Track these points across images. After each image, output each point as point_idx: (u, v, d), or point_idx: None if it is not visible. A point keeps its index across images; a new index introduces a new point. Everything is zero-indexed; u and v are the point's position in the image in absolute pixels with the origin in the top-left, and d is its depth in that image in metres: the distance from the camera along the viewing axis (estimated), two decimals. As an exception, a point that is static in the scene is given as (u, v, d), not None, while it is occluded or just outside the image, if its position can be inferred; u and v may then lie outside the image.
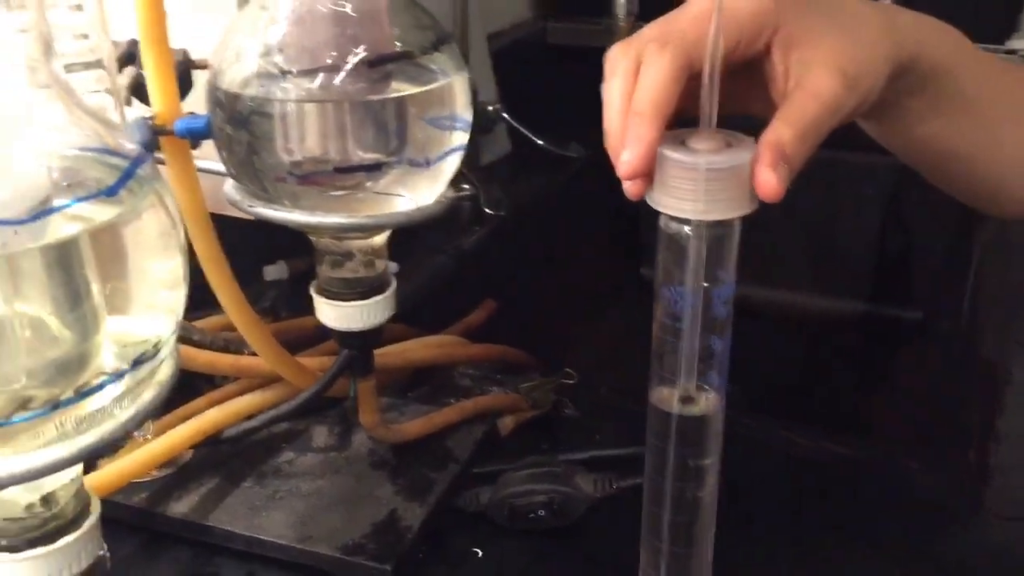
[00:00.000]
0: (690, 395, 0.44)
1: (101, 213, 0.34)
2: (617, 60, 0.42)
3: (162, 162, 0.51)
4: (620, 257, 1.25)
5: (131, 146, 0.36)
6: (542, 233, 1.07)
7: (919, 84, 0.47)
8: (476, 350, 0.74)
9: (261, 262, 0.87)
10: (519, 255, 1.01)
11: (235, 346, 0.64)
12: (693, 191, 0.38)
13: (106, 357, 0.35)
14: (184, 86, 0.58)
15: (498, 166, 1.13)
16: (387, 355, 0.69)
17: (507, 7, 1.28)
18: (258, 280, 0.86)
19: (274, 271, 0.87)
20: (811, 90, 0.41)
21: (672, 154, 0.39)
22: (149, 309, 0.36)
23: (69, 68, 0.46)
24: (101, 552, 0.42)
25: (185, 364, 0.61)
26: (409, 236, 0.90)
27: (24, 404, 0.33)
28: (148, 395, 0.37)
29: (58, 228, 0.34)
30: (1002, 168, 0.53)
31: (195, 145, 0.52)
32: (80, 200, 0.34)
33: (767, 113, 0.41)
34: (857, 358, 1.16)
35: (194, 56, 0.59)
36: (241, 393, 0.62)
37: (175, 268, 0.36)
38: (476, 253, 0.94)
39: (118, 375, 0.34)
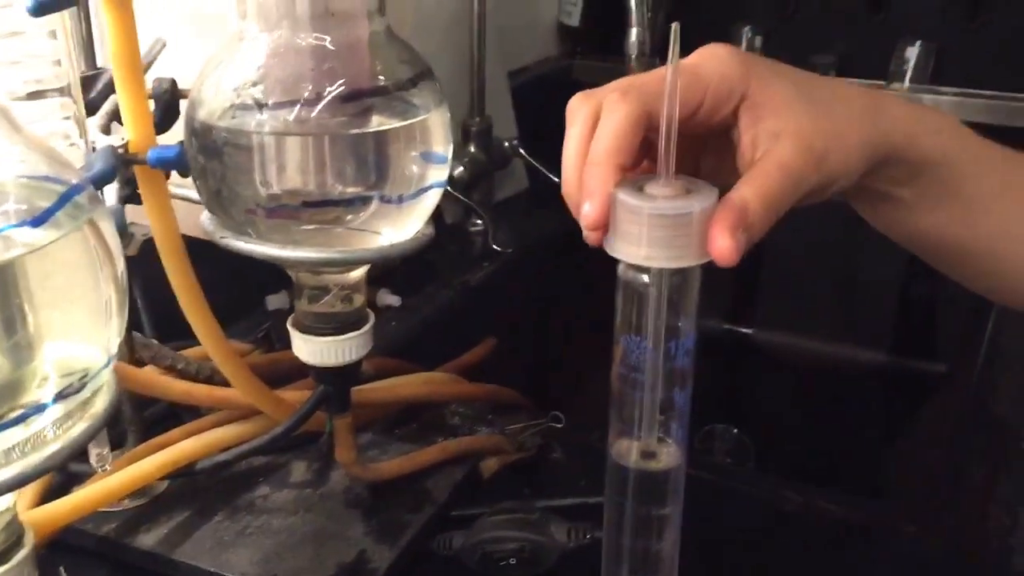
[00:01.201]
0: (651, 450, 0.42)
1: (36, 239, 0.34)
2: (576, 109, 0.42)
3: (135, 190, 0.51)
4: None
5: (73, 176, 0.36)
6: (550, 272, 1.06)
7: (910, 175, 0.46)
8: (467, 389, 0.72)
9: (265, 291, 0.87)
10: (525, 293, 1.00)
11: (221, 376, 0.64)
12: (639, 236, 0.37)
13: (30, 389, 0.34)
14: (171, 115, 0.58)
15: (513, 202, 1.12)
16: (376, 391, 0.68)
17: (533, 44, 1.28)
18: (261, 308, 0.86)
19: (276, 300, 0.87)
20: (777, 161, 0.40)
21: (623, 197, 0.37)
22: (78, 340, 0.35)
23: (42, 95, 0.46)
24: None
25: (160, 393, 0.61)
26: (415, 270, 0.90)
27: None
28: (79, 428, 0.36)
29: (-8, 254, 0.33)
30: (1011, 262, 0.49)
31: (184, 174, 0.52)
32: (10, 227, 0.33)
33: (734, 183, 0.40)
34: (876, 410, 1.13)
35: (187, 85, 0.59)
36: (219, 425, 0.61)
37: (107, 299, 0.35)
38: (482, 289, 0.93)
39: (39, 408, 0.34)
